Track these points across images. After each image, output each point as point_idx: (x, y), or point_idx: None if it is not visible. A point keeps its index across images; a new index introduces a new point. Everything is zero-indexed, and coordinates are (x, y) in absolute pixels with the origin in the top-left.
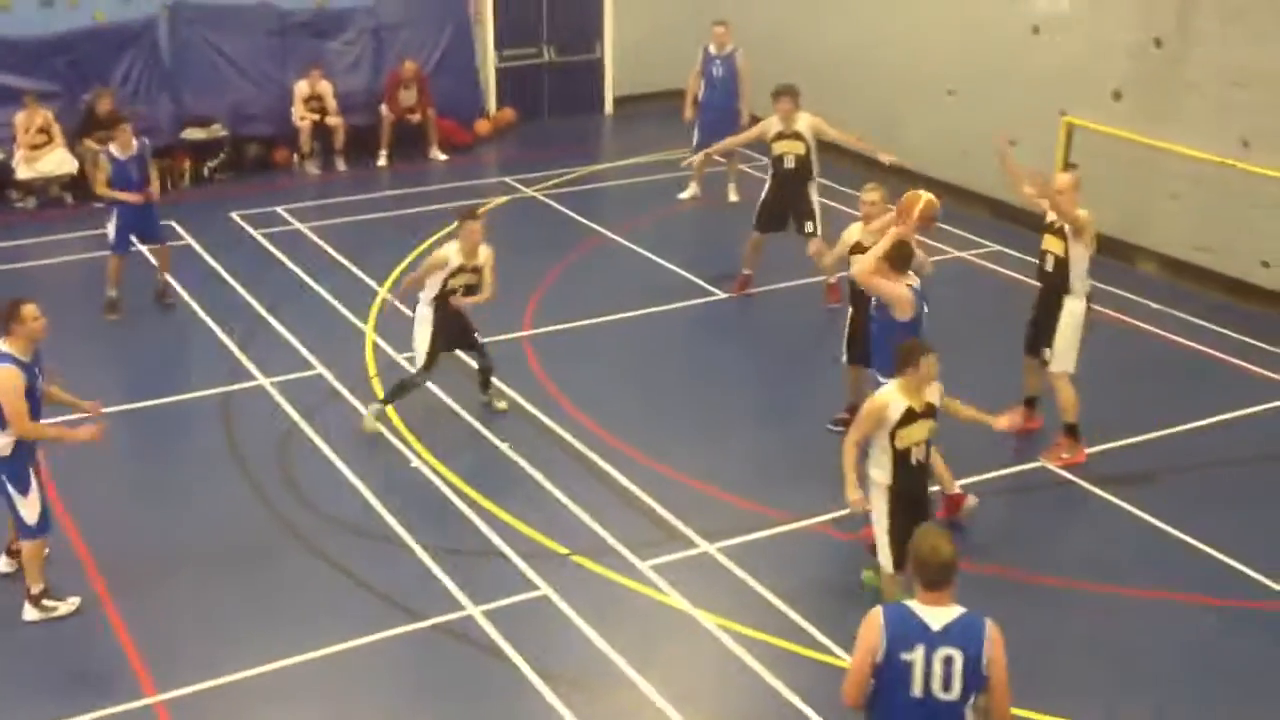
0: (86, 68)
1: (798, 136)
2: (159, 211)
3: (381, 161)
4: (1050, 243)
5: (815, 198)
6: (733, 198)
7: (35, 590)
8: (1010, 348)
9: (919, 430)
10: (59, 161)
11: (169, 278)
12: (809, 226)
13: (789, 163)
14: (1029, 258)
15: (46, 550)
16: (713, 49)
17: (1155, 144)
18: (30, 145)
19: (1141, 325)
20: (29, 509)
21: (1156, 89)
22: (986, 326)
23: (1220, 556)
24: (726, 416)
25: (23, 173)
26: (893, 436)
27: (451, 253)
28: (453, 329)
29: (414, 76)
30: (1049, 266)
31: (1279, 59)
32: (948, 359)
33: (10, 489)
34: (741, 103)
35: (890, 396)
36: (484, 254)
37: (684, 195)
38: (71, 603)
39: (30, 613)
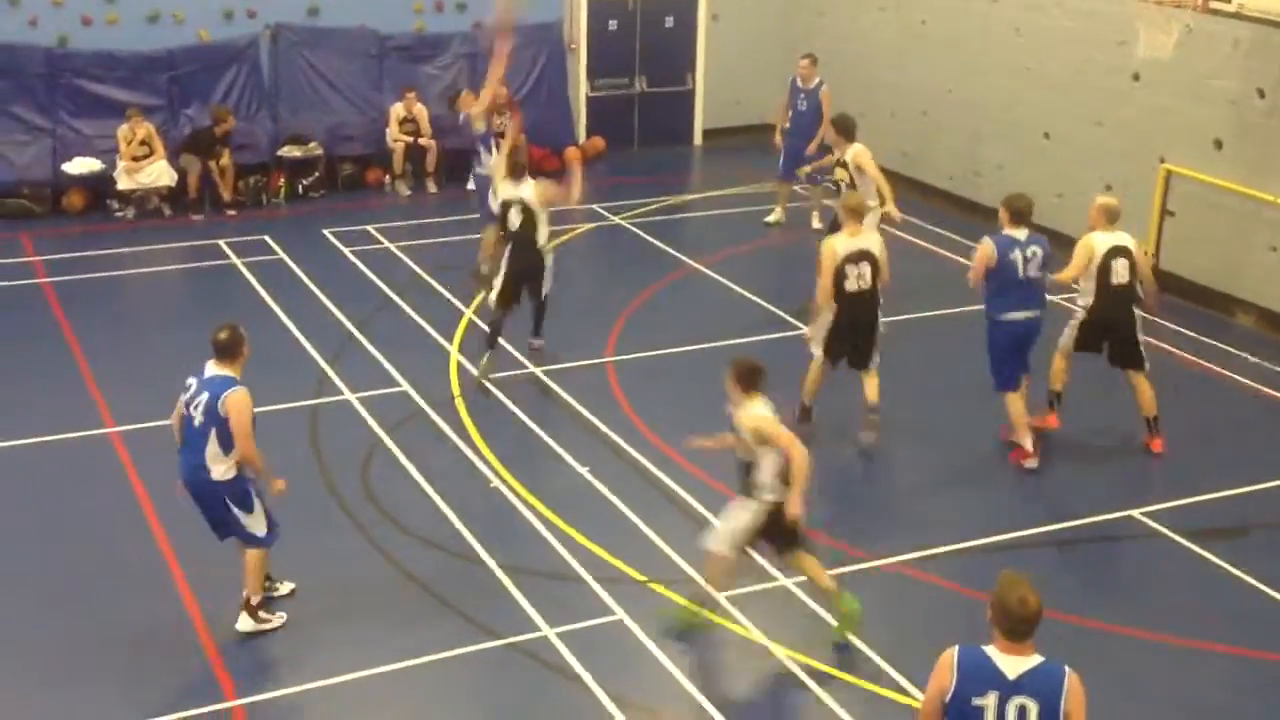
0: (189, 84)
1: (842, 165)
2: None
3: (471, 185)
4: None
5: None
6: (815, 225)
7: (255, 600)
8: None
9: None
10: (159, 174)
11: None
12: None
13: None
14: None
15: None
16: (799, 82)
17: (1256, 195)
18: (132, 157)
19: (1238, 378)
20: (257, 524)
21: (1259, 139)
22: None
23: None
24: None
25: (124, 183)
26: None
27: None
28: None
29: (506, 103)
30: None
31: None
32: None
33: (236, 511)
34: (823, 132)
35: None
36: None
37: (770, 220)
38: (280, 617)
39: (245, 623)
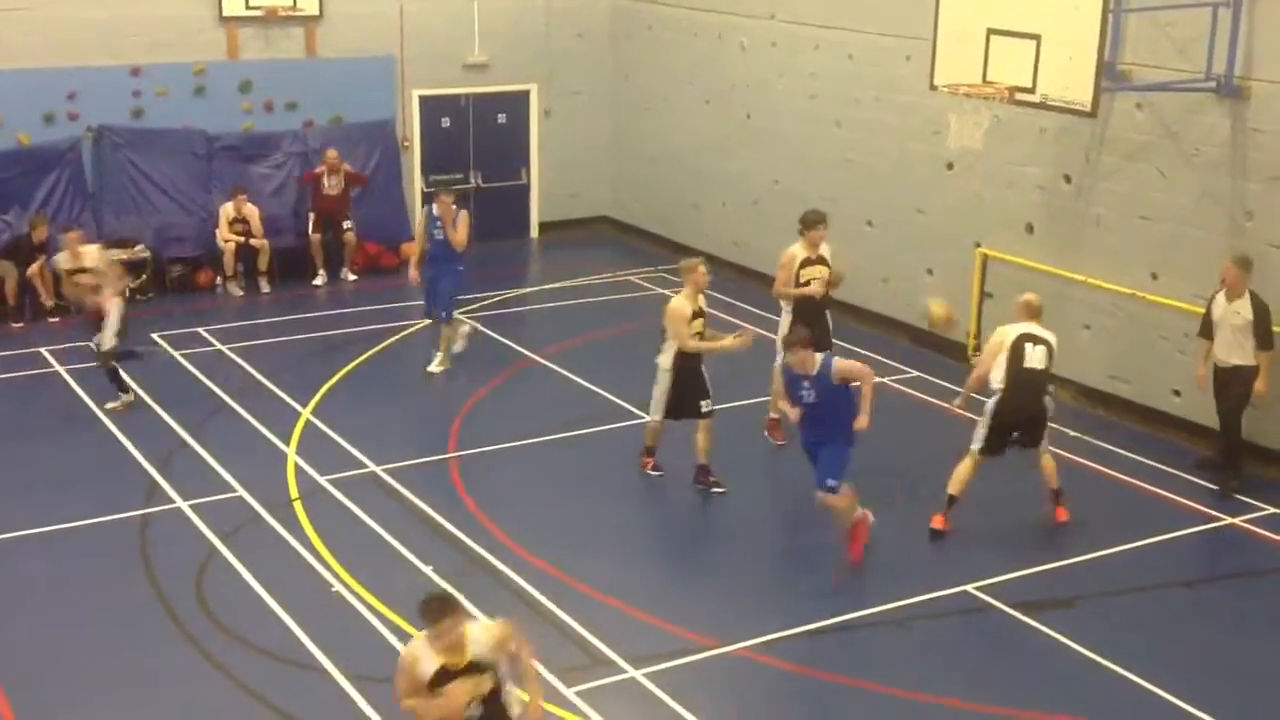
0: (8, 189)
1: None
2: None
3: (317, 280)
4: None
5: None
6: (434, 368)
7: None
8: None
9: None
10: None
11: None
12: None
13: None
14: (946, 383)
15: None
16: (435, 210)
17: (1067, 275)
18: None
19: (1061, 453)
20: None
21: (1067, 222)
22: (913, 451)
23: (1140, 681)
24: (649, 539)
25: None
26: None
27: None
28: None
29: (337, 165)
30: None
31: (1182, 194)
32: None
33: None
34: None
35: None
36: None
37: (433, 369)
38: None
39: None
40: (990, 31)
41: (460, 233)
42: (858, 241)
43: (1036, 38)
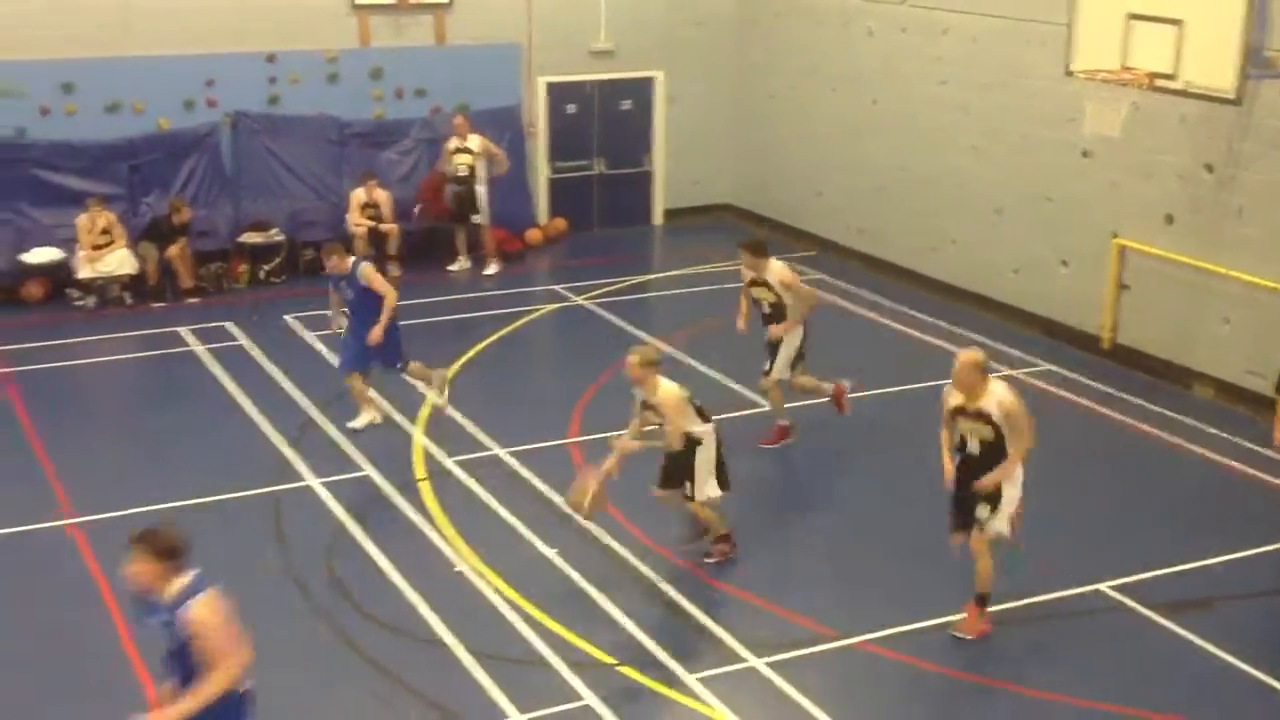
0: (149, 172)
1: (763, 285)
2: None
3: (453, 266)
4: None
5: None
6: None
7: None
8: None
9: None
10: (120, 262)
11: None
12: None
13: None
14: (1080, 377)
15: None
16: (331, 268)
17: (1208, 267)
18: (93, 245)
19: (1198, 450)
20: None
21: (1208, 213)
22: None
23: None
24: (769, 528)
25: (84, 272)
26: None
27: None
28: None
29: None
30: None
31: None
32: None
33: None
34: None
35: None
36: None
37: (358, 425)
38: None
39: None
40: (1130, 16)
41: (377, 281)
42: (986, 229)
43: (1178, 23)
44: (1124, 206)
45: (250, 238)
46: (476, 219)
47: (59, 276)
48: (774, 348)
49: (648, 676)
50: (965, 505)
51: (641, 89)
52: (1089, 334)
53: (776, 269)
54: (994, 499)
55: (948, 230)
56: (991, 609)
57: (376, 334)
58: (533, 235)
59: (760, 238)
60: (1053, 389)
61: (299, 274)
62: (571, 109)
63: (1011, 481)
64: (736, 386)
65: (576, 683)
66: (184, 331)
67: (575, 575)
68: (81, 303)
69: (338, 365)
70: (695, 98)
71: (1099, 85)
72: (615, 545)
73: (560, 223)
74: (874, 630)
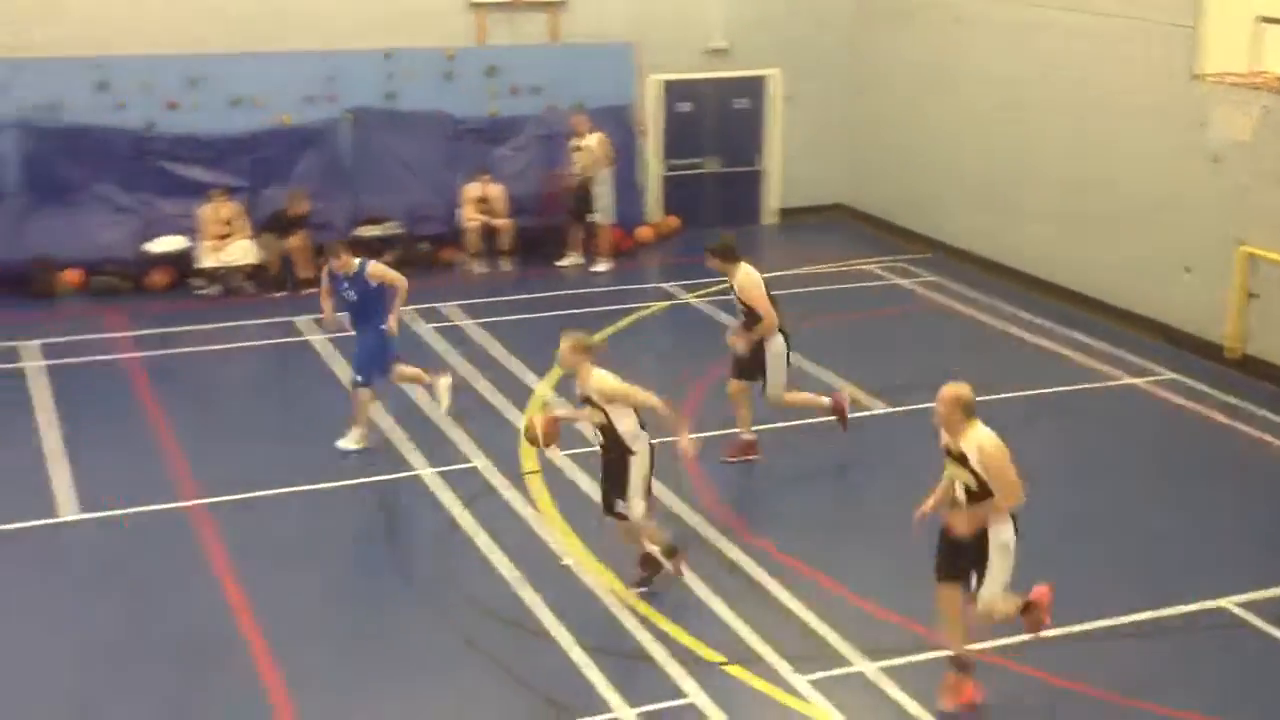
0: (270, 165)
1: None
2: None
3: (564, 262)
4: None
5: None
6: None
7: None
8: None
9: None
10: (243, 252)
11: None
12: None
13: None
14: (1205, 387)
15: None
16: (335, 268)
17: None
18: (216, 235)
19: None
20: None
21: None
22: (1148, 453)
23: None
24: (877, 530)
25: (207, 261)
26: None
27: None
28: None
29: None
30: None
31: None
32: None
33: None
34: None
35: None
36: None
37: (346, 445)
38: None
39: None
40: (1260, 19)
41: (389, 274)
42: (1105, 234)
43: None
44: (1252, 213)
45: (366, 231)
46: (593, 216)
47: (182, 265)
48: (748, 360)
49: (755, 676)
50: (949, 554)
51: (756, 87)
52: (1211, 343)
53: (741, 274)
54: (980, 561)
55: (1066, 234)
56: (1104, 622)
57: (394, 324)
58: (644, 233)
59: (728, 239)
60: (1178, 399)
61: (413, 267)
62: (686, 107)
63: (1000, 548)
64: (850, 386)
65: (684, 680)
66: (299, 321)
67: (685, 572)
68: (204, 291)
69: (350, 379)
70: (810, 96)
71: (1228, 89)
72: (722, 541)
73: (673, 220)
74: (986, 638)
